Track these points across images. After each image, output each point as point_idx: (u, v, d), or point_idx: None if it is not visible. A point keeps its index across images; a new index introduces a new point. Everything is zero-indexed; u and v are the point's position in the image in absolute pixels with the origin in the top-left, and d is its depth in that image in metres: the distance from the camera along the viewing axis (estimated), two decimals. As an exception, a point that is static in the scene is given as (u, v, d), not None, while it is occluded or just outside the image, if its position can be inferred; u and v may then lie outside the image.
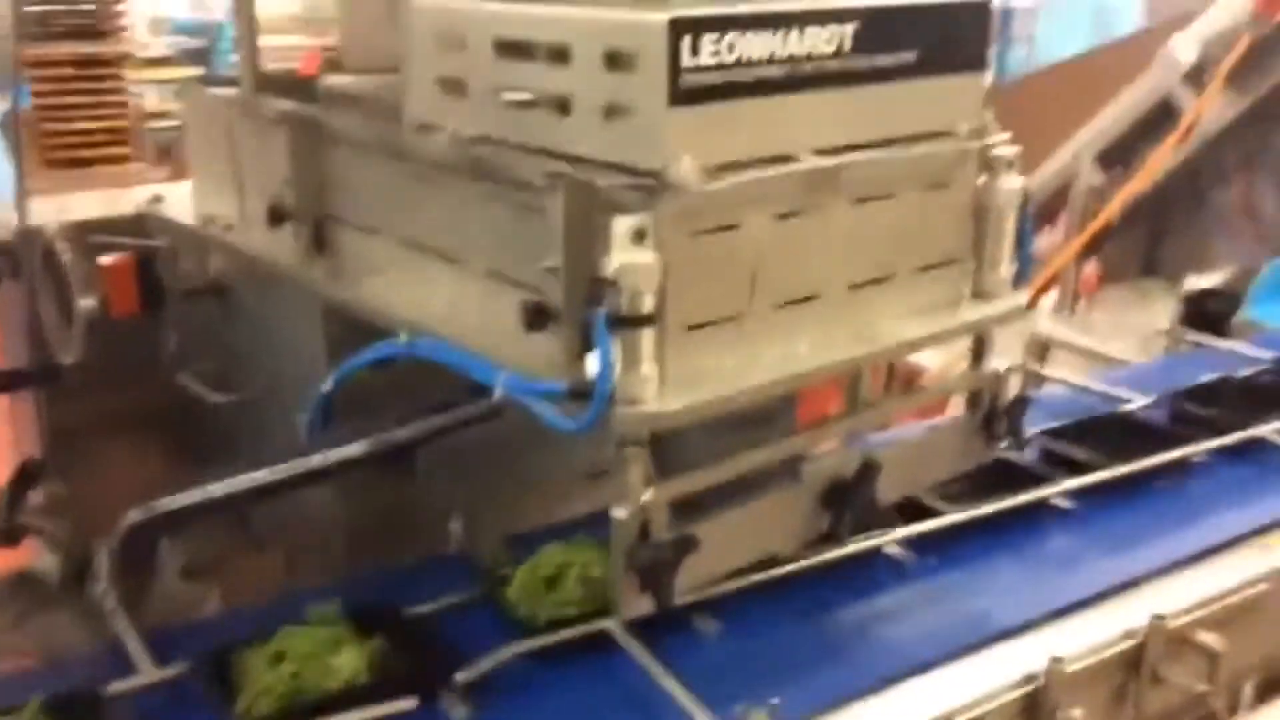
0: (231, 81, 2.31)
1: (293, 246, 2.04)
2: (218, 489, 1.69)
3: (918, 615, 1.73)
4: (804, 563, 1.76)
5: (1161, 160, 5.03)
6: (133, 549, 1.67)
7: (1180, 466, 2.12)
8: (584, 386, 1.37)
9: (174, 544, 1.87)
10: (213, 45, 10.53)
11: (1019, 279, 1.76)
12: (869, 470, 1.61)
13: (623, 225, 1.34)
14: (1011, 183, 1.70)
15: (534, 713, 1.52)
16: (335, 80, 2.20)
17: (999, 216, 1.72)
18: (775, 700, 1.36)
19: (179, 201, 2.44)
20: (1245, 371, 2.51)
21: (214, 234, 2.28)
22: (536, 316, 1.48)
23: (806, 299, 1.55)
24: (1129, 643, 1.67)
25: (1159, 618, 1.68)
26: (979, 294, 1.73)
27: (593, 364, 1.37)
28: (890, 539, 1.83)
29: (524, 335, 1.52)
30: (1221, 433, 2.20)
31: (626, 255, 1.34)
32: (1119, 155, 5.39)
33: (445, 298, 1.76)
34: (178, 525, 1.77)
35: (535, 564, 1.74)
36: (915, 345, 1.63)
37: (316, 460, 1.73)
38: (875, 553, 1.82)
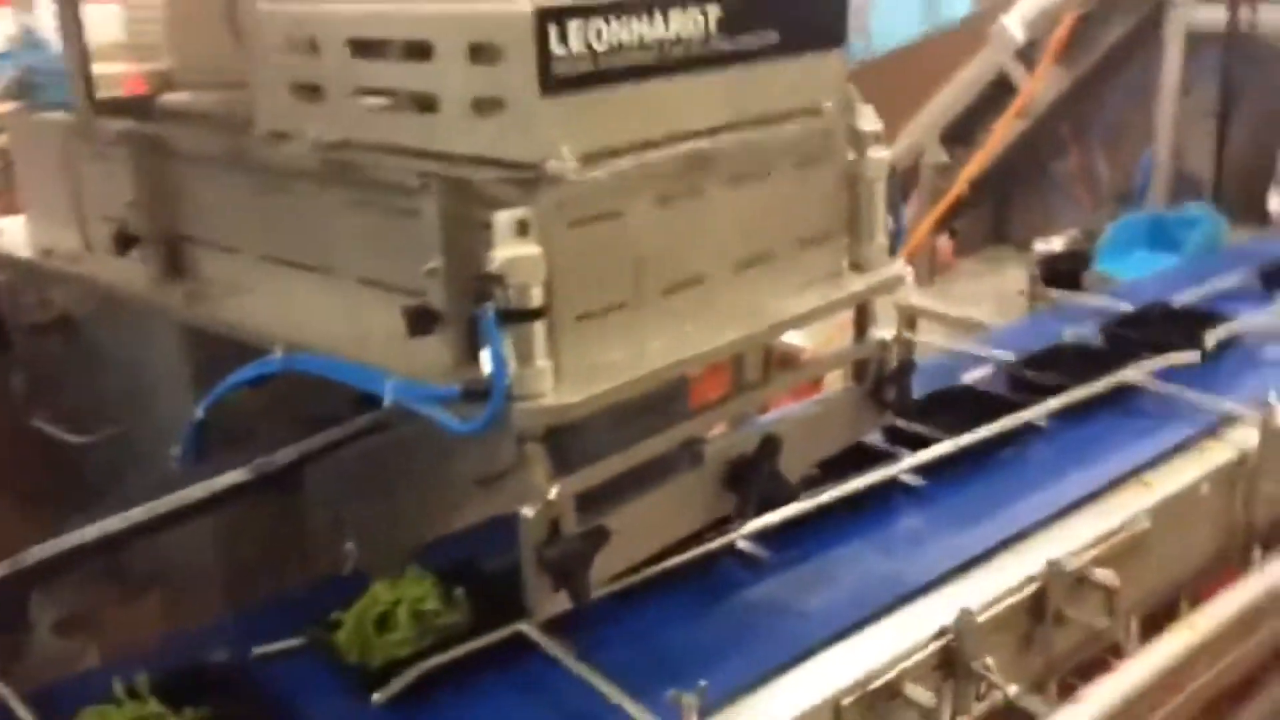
0: (59, 107, 2.18)
1: (145, 272, 1.94)
2: (90, 532, 1.59)
3: (821, 588, 1.74)
4: (696, 551, 1.75)
5: (1002, 135, 5.25)
6: (1, 606, 1.55)
7: (1051, 419, 2.19)
8: (479, 386, 1.33)
9: (44, 598, 1.74)
10: (26, 79, 9.98)
11: (893, 248, 1.80)
12: (770, 446, 1.61)
13: (505, 219, 1.31)
14: (879, 154, 1.73)
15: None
16: (173, 98, 2.10)
17: (869, 189, 1.74)
18: (703, 683, 1.35)
19: (11, 236, 2.30)
20: (1099, 324, 2.62)
21: (57, 266, 2.15)
22: (421, 320, 1.44)
23: (693, 282, 1.54)
24: (1031, 587, 1.72)
25: (1055, 562, 1.73)
26: (857, 266, 1.76)
27: (486, 362, 1.33)
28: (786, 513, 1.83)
29: (407, 341, 1.47)
30: (1084, 383, 2.28)
31: (511, 249, 1.31)
32: (961, 133, 5.60)
33: (318, 310, 1.69)
34: (48, 576, 1.66)
35: (363, 606, 1.64)
36: (803, 319, 1.64)
37: (196, 492, 1.64)
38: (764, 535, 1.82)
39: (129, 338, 2.04)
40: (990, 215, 5.75)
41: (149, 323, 1.95)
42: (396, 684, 1.49)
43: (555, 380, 1.37)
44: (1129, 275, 3.47)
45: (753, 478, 1.60)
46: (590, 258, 1.42)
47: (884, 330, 1.81)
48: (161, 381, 1.96)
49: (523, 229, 1.31)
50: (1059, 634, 1.76)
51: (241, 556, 1.91)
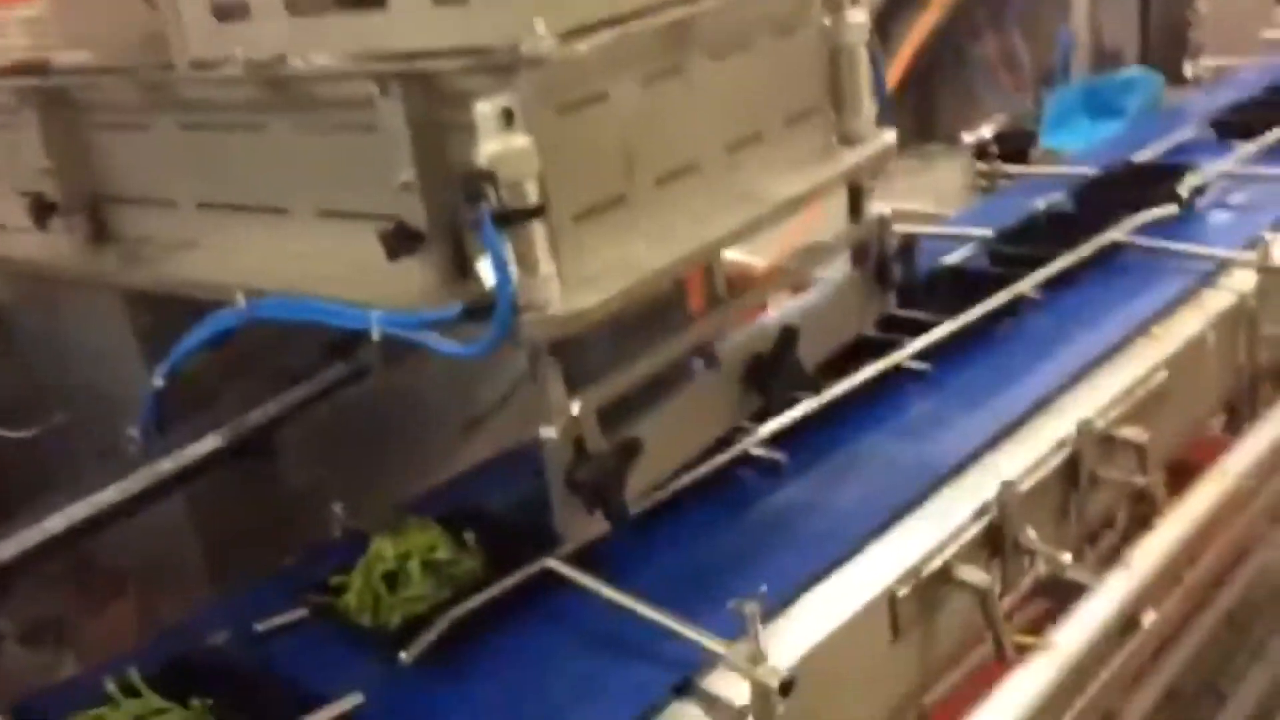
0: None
1: (70, 242, 1.77)
2: (55, 524, 1.43)
3: (850, 483, 1.65)
4: (710, 465, 1.64)
5: (922, 33, 5.17)
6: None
7: (1043, 288, 2.11)
8: (481, 302, 1.20)
9: (6, 605, 1.58)
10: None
11: (880, 119, 1.69)
12: (789, 339, 1.51)
13: (487, 109, 1.18)
14: (857, 17, 1.62)
15: (501, 674, 1.35)
16: (70, 55, 1.90)
17: (851, 55, 1.64)
18: (763, 588, 1.25)
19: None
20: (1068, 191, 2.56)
21: (-32, 252, 1.95)
22: (400, 241, 1.30)
23: (687, 170, 1.43)
24: (1064, 453, 1.65)
25: (1085, 422, 1.66)
26: (847, 140, 1.65)
27: (485, 274, 1.20)
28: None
29: (385, 271, 1.34)
30: (1067, 249, 2.21)
31: (498, 142, 1.18)
32: (877, 32, 5.50)
33: (274, 255, 1.54)
34: (9, 581, 1.50)
35: (369, 564, 1.51)
36: (802, 200, 1.53)
37: (166, 466, 1.49)
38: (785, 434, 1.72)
39: (62, 316, 1.86)
40: (914, 112, 5.68)
41: (82, 297, 1.78)
42: (423, 639, 1.36)
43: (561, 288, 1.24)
44: (1075, 146, 3.42)
45: (775, 374, 1.50)
46: (580, 149, 1.29)
47: (882, 205, 1.72)
48: (104, 358, 1.79)
49: (508, 118, 1.18)
50: (1094, 498, 1.70)
51: (220, 534, 1.76)
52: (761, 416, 1.62)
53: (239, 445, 1.55)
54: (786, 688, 1.18)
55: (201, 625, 1.52)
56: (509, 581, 1.43)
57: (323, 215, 1.48)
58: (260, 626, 1.50)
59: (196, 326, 1.51)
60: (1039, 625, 1.77)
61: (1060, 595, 1.67)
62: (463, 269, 1.33)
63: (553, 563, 1.45)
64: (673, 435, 1.43)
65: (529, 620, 1.44)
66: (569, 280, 1.25)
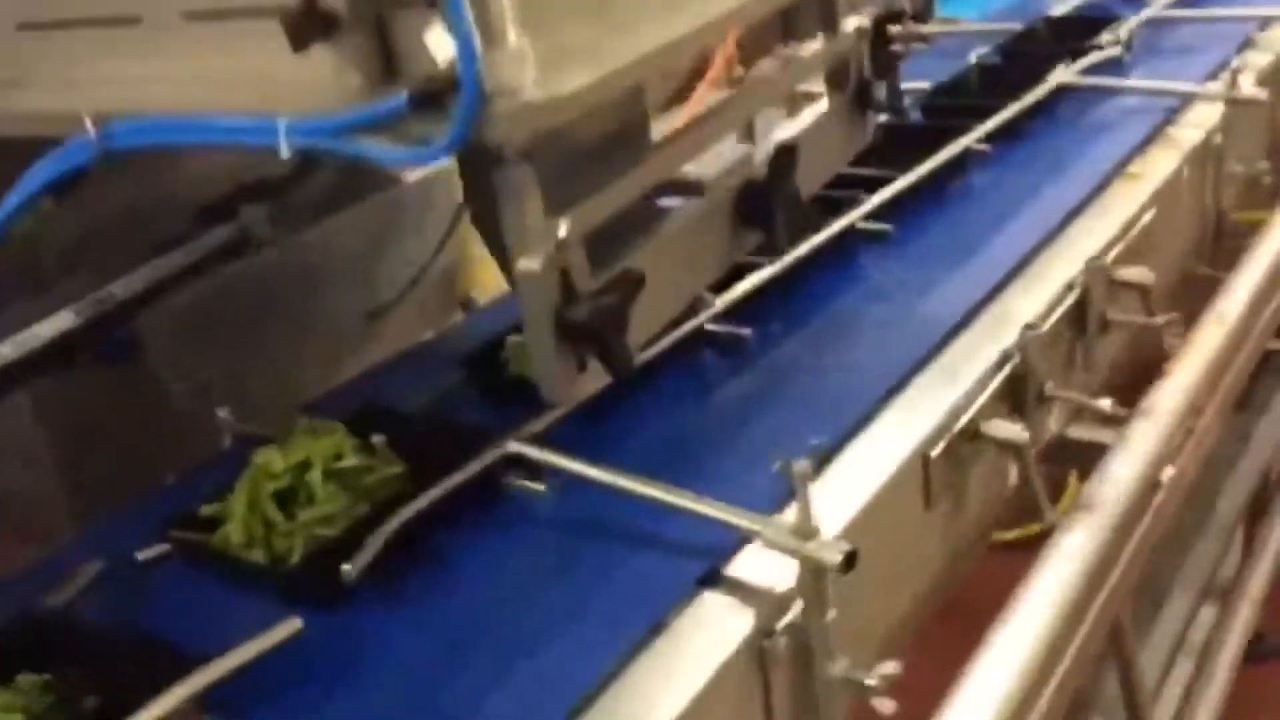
0: None
1: None
2: None
3: (843, 349, 1.42)
4: (662, 344, 1.37)
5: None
6: None
7: (996, 140, 1.94)
8: (437, 84, 0.90)
9: None
10: None
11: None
12: (785, 159, 1.25)
13: None
14: None
15: (464, 597, 1.06)
16: None
17: None
18: (815, 440, 1.01)
19: None
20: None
21: None
22: (309, 23, 0.98)
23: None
24: (1074, 294, 1.47)
25: (1094, 259, 1.49)
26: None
27: (439, 45, 0.90)
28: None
29: (285, 76, 1.01)
30: (1013, 96, 2.03)
31: None
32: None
33: (128, 79, 1.19)
34: None
35: (252, 482, 1.16)
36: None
37: (3, 351, 1.14)
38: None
39: None
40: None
41: None
42: (360, 559, 1.06)
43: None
44: (972, 15, 3.26)
45: (773, 203, 1.24)
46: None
47: (855, 19, 1.48)
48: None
49: None
50: (1102, 345, 1.54)
51: (74, 444, 1.40)
52: (763, 252, 1.37)
53: (94, 326, 1.21)
54: (851, 561, 0.95)
55: (29, 580, 1.17)
56: (460, 477, 1.14)
57: (190, 18, 1.13)
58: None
59: (32, 170, 1.15)
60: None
61: (1068, 455, 1.52)
62: (389, 66, 1.02)
63: (517, 446, 1.17)
64: (665, 276, 1.16)
65: (485, 528, 1.15)
66: (538, 62, 0.97)
